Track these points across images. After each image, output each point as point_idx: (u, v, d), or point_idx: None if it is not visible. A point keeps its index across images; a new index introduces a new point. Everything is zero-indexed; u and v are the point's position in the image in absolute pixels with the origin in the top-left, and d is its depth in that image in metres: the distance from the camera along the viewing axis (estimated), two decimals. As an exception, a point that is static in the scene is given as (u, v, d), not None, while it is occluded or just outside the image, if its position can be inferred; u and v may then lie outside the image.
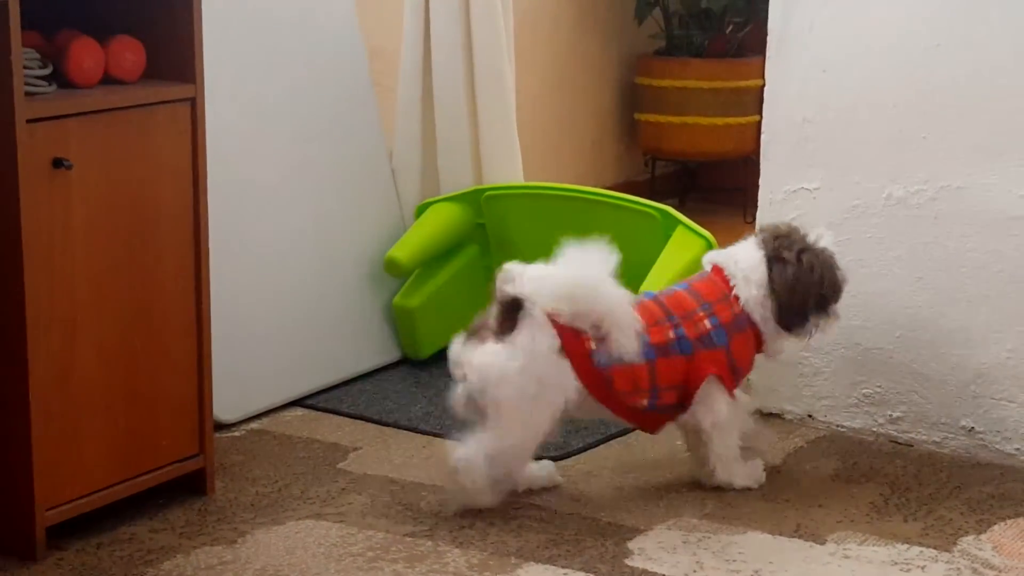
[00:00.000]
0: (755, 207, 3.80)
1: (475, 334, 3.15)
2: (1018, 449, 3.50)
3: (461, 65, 4.28)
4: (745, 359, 3.29)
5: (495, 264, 4.34)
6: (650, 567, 2.97)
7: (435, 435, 3.68)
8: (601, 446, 3.62)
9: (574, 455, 3.57)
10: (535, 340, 3.09)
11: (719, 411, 3.25)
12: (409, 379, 4.11)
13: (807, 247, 3.29)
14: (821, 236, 3.32)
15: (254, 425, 3.74)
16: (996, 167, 3.44)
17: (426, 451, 3.59)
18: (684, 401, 3.23)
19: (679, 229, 3.90)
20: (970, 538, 3.11)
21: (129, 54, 3.08)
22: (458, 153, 4.34)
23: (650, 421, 3.27)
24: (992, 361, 3.50)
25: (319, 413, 3.84)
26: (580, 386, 3.12)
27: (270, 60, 3.97)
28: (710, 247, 3.84)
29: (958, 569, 2.97)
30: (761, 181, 3.76)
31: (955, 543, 3.09)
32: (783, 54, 3.68)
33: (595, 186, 4.43)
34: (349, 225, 4.17)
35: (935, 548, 3.06)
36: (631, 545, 3.07)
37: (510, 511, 3.24)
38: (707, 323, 3.22)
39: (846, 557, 3.03)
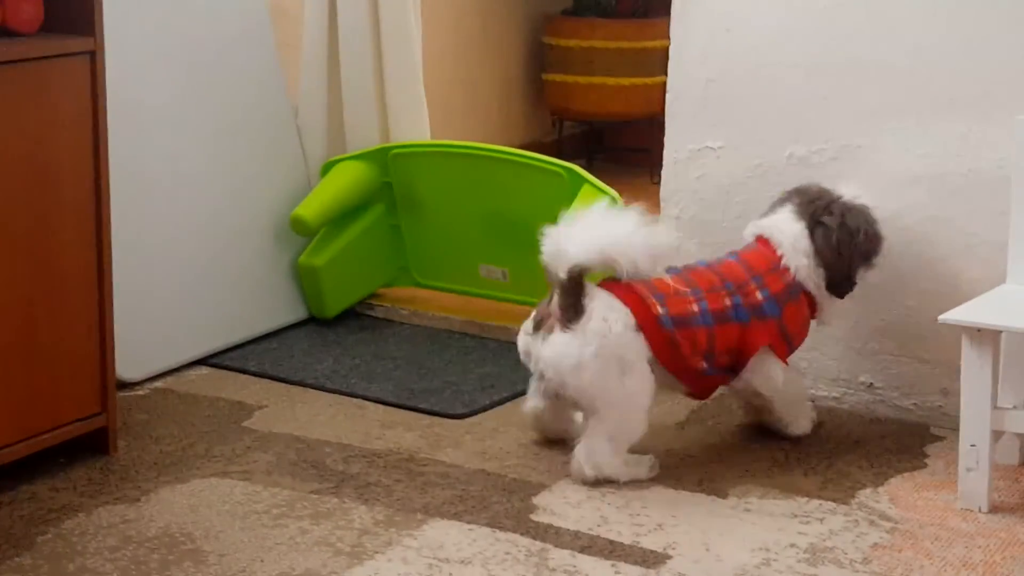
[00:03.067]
0: (661, 167, 3.82)
1: (541, 324, 3.13)
2: (916, 404, 3.56)
3: (367, 22, 4.25)
4: (798, 327, 3.34)
5: (402, 223, 4.36)
6: (555, 522, 2.99)
7: (341, 393, 3.68)
8: (508, 403, 3.64)
9: (480, 412, 3.58)
10: (608, 322, 3.08)
11: (775, 378, 3.30)
12: (315, 338, 4.10)
13: (845, 208, 3.34)
14: (849, 192, 3.36)
15: (158, 384, 3.71)
16: (895, 127, 3.48)
17: (332, 409, 3.58)
18: (736, 365, 3.27)
19: (585, 187, 3.92)
20: (868, 491, 3.17)
21: (27, 5, 3.03)
22: (364, 111, 4.32)
23: (705, 385, 3.29)
24: (891, 318, 3.55)
25: (224, 372, 3.82)
26: (650, 354, 3.13)
27: (171, 20, 3.91)
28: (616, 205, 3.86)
29: (856, 521, 3.03)
30: (666, 140, 3.79)
31: (853, 496, 3.15)
32: (688, 14, 3.70)
33: (502, 146, 4.42)
34: (254, 183, 4.14)
35: (834, 501, 3.12)
36: (536, 501, 3.10)
37: (416, 468, 3.24)
38: (759, 295, 3.25)
39: (747, 511, 3.07)
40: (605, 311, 3.10)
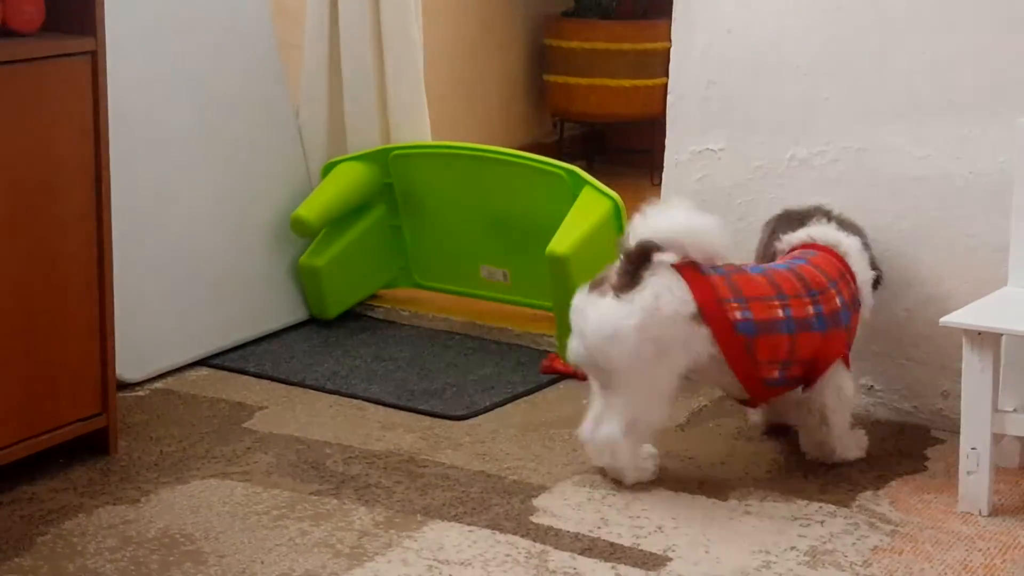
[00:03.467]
0: (662, 168, 3.82)
1: (598, 286, 3.10)
2: (915, 407, 3.56)
3: (368, 23, 4.25)
4: (855, 334, 3.30)
5: (402, 224, 4.36)
6: (555, 524, 2.99)
7: (341, 394, 3.68)
8: (508, 405, 3.64)
9: (481, 414, 3.58)
10: (659, 300, 3.03)
11: (845, 388, 3.24)
12: (316, 339, 4.10)
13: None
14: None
15: (158, 384, 3.71)
16: (896, 128, 3.48)
17: (332, 410, 3.58)
18: (808, 376, 3.19)
19: (586, 189, 3.92)
20: (868, 494, 3.17)
21: (27, 5, 3.02)
22: (365, 112, 4.32)
23: (766, 394, 3.22)
24: (891, 320, 3.55)
25: (225, 373, 3.82)
26: (717, 352, 3.07)
27: (173, 18, 3.91)
28: (617, 207, 3.86)
29: (856, 524, 3.02)
30: (667, 142, 3.79)
31: (854, 499, 3.14)
32: (689, 15, 3.70)
33: (503, 147, 4.42)
34: (256, 184, 4.14)
35: (834, 504, 3.11)
36: (536, 503, 3.09)
37: (416, 469, 3.24)
38: (838, 301, 3.20)
39: (747, 513, 3.07)
40: (662, 289, 3.03)
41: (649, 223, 3.06)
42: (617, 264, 3.09)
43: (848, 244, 3.31)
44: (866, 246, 3.37)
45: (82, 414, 3.20)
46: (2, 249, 2.97)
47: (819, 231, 3.33)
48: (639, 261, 3.05)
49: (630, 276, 3.05)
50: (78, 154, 3.10)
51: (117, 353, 3.27)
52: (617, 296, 3.05)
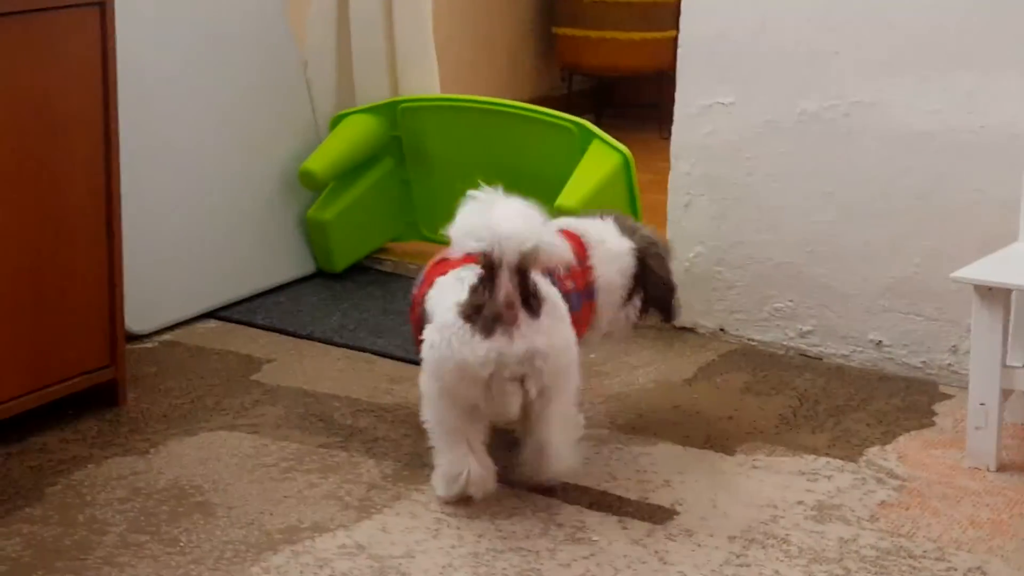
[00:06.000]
0: (671, 122, 3.81)
1: (496, 322, 2.71)
2: (924, 362, 3.56)
3: (377, -25, 4.23)
4: None
5: (411, 177, 4.35)
6: (563, 478, 3.00)
7: (349, 348, 3.68)
8: (515, 359, 3.64)
9: (488, 367, 3.58)
10: (559, 300, 2.85)
11: None
12: (324, 292, 4.10)
13: None
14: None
15: (167, 336, 3.71)
16: (905, 83, 3.47)
17: (340, 363, 3.59)
18: None
19: (595, 143, 3.91)
20: (876, 449, 3.18)
21: (36, -43, 3.01)
22: (374, 65, 4.30)
23: None
24: (899, 275, 3.55)
25: (233, 325, 3.82)
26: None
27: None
28: (626, 161, 3.85)
29: (864, 479, 3.03)
30: (676, 95, 3.77)
31: (861, 454, 3.15)
32: (700, -32, 3.67)
33: (512, 100, 4.40)
34: (264, 137, 4.13)
35: (842, 459, 3.12)
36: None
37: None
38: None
39: (755, 468, 3.07)
40: (548, 287, 2.84)
41: (522, 224, 2.71)
42: (494, 290, 2.71)
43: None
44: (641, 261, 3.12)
45: (91, 366, 3.20)
46: (11, 200, 2.97)
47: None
48: (527, 272, 2.74)
49: (535, 290, 2.76)
50: (87, 105, 3.10)
51: (125, 305, 3.28)
52: (538, 313, 2.75)
